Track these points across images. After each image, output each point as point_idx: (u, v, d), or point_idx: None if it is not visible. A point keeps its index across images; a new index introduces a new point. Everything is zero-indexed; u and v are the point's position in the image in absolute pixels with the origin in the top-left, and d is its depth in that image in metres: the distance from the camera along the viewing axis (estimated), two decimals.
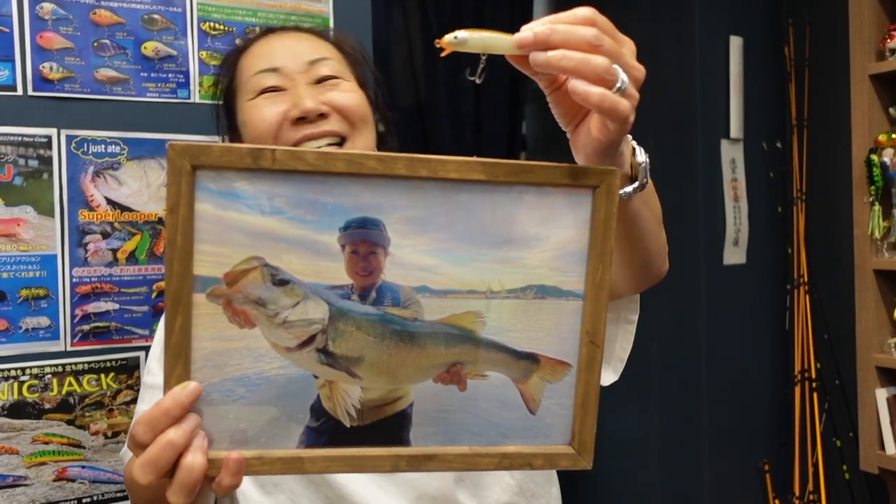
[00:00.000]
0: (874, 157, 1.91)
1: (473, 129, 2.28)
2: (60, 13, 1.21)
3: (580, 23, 0.58)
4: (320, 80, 0.96)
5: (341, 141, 0.94)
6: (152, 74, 1.29)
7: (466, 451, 0.61)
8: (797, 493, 2.12)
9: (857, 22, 1.93)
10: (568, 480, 1.05)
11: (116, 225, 1.26)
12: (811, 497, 2.07)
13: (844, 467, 2.06)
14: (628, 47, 0.61)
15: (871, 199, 1.92)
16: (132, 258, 1.28)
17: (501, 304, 0.60)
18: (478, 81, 0.63)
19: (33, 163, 1.20)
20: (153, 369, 0.95)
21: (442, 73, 2.23)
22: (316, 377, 0.58)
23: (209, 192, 0.54)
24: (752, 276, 2.20)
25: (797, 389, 2.13)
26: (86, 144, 1.24)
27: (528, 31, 0.58)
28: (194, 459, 0.55)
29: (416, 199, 0.57)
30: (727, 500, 2.15)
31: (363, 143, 0.95)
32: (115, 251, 1.26)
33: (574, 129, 0.64)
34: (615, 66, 0.57)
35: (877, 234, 1.91)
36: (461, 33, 0.58)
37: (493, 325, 0.60)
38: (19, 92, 1.19)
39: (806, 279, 2.13)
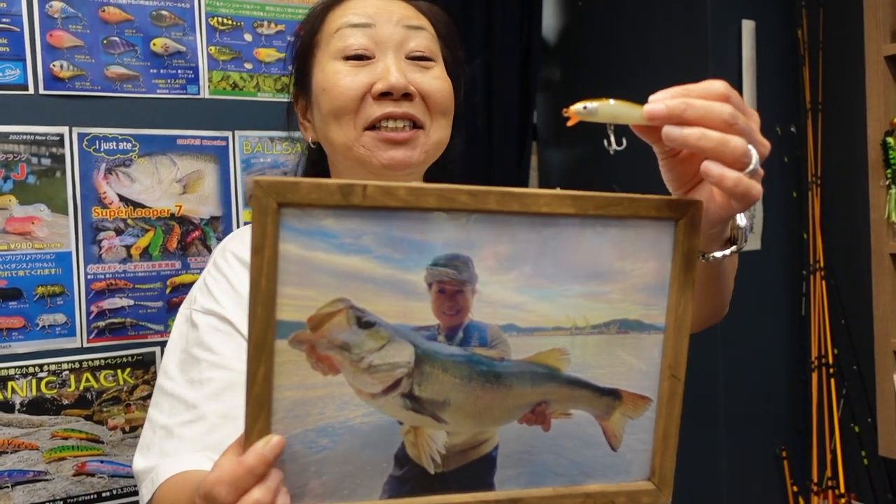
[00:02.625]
0: (890, 140, 1.88)
1: (485, 118, 2.27)
2: (70, 11, 1.22)
3: (715, 98, 0.57)
4: (412, 57, 0.89)
5: (417, 127, 0.88)
6: (161, 71, 1.30)
7: (551, 493, 0.59)
8: (815, 480, 2.11)
9: (872, 3, 1.90)
10: None
11: (129, 221, 1.27)
12: (829, 483, 2.06)
13: (863, 453, 2.04)
14: (755, 121, 0.60)
15: (887, 183, 1.90)
16: (146, 254, 1.29)
17: (586, 341, 0.59)
18: (613, 151, 0.63)
19: (46, 161, 1.21)
20: (172, 374, 0.90)
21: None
22: (401, 423, 0.55)
23: (295, 231, 0.51)
24: (768, 262, 2.18)
25: (814, 376, 2.11)
26: (97, 142, 1.25)
27: (660, 103, 0.57)
28: None
29: (505, 233, 0.55)
30: (745, 487, 2.14)
31: (440, 135, 0.91)
32: (128, 248, 1.27)
33: (685, 193, 0.64)
34: (750, 148, 0.56)
35: (893, 218, 1.88)
36: (591, 104, 0.58)
37: (577, 362, 0.59)
38: (31, 91, 1.20)
39: (822, 265, 2.11)
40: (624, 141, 0.65)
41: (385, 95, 0.86)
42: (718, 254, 0.68)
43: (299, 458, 0.54)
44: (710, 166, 0.56)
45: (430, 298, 0.54)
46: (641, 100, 0.59)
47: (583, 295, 0.58)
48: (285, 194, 0.50)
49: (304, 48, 0.94)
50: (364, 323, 0.53)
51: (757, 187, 0.57)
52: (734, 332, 2.12)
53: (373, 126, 0.86)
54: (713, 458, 2.15)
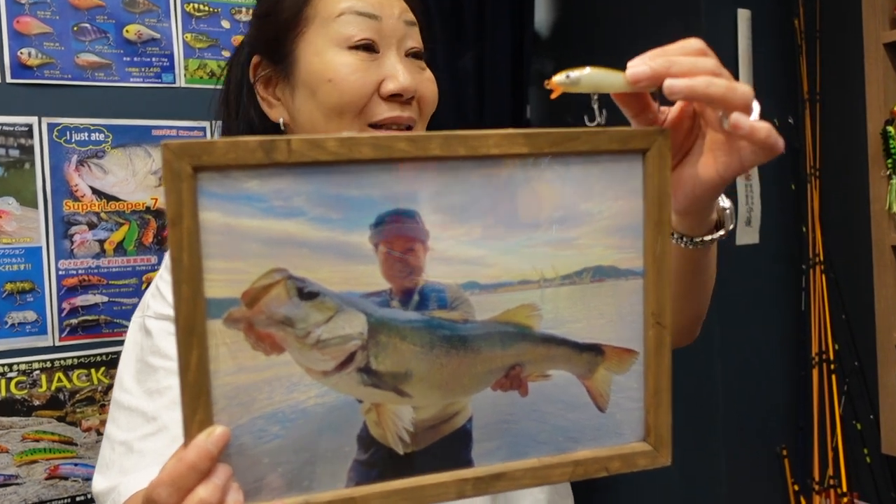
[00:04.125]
0: (890, 129, 1.84)
1: (476, 112, 2.22)
2: None
3: (694, 54, 0.55)
4: (409, 55, 0.85)
5: (409, 128, 0.84)
6: (135, 59, 1.25)
7: (536, 465, 0.55)
8: (816, 479, 2.06)
9: None
10: None
11: (103, 215, 1.23)
12: (831, 482, 2.01)
13: (865, 451, 2.00)
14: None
15: (888, 173, 1.85)
16: (120, 249, 1.24)
17: (557, 293, 0.54)
18: (596, 124, 0.59)
19: (14, 152, 1.17)
20: (128, 386, 0.85)
21: (442, 55, 2.18)
22: (360, 402, 0.51)
23: (215, 197, 0.46)
24: (766, 256, 2.13)
25: (815, 372, 2.06)
26: (68, 132, 1.20)
27: (642, 65, 0.54)
28: None
29: (454, 182, 0.51)
30: (745, 486, 2.10)
31: None
32: (102, 242, 1.23)
33: (672, 168, 0.60)
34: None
35: (894, 209, 1.84)
36: (573, 73, 0.55)
37: (550, 318, 0.54)
38: None
39: (822, 258, 2.06)
40: (604, 112, 0.61)
41: (394, 97, 0.82)
42: (708, 237, 0.64)
43: (249, 449, 0.49)
44: (739, 119, 0.54)
45: (378, 260, 0.50)
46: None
47: (548, 243, 0.53)
48: (200, 156, 0.45)
49: (287, 17, 0.86)
50: (306, 294, 0.48)
51: (781, 138, 0.55)
52: (732, 329, 2.08)
53: (375, 125, 0.83)
54: (712, 457, 2.10)
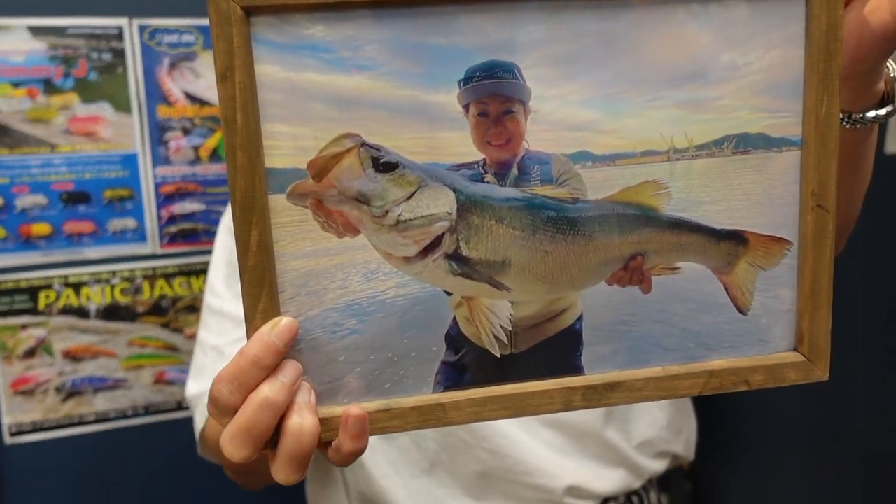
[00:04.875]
0: None
1: None
2: None
3: None
4: None
5: None
6: None
7: (660, 374, 0.47)
8: None
9: None
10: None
11: (196, 120, 1.19)
12: None
13: None
14: None
15: None
16: (215, 156, 1.21)
17: (690, 167, 0.45)
18: None
19: (107, 56, 1.14)
20: (218, 290, 0.83)
21: None
22: (449, 294, 0.45)
23: (273, 46, 0.40)
24: None
25: None
26: (159, 35, 1.16)
27: None
28: (302, 422, 0.42)
29: (561, 27, 0.42)
30: (883, 418, 1.93)
31: None
32: (196, 149, 1.20)
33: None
34: None
35: None
36: None
37: (681, 198, 0.46)
38: None
39: None
40: None
41: None
42: (871, 114, 0.53)
43: (322, 345, 0.44)
44: None
45: (469, 125, 0.42)
46: None
47: (681, 104, 0.44)
48: None
49: None
50: (383, 164, 0.41)
51: None
52: (877, 250, 1.87)
53: None
54: (848, 385, 1.94)
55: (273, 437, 0.42)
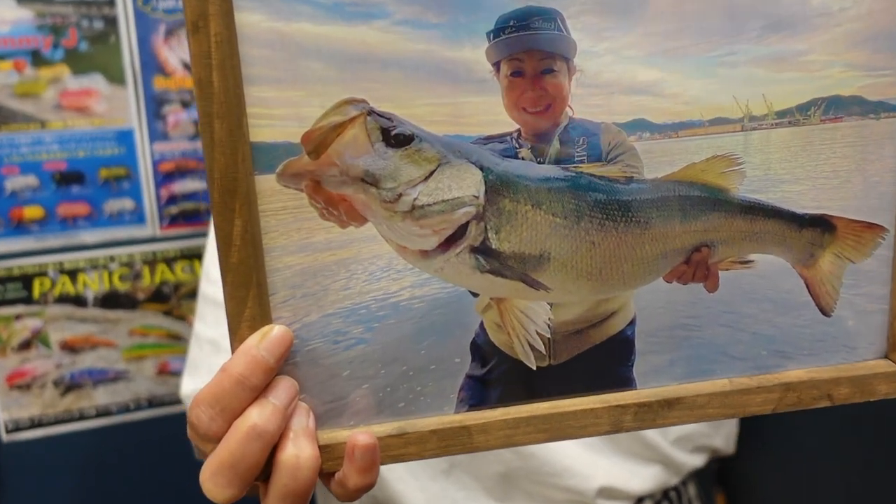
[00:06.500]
0: None
1: None
2: None
3: None
4: None
5: None
6: None
7: (727, 388, 0.41)
8: None
9: None
10: None
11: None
12: None
13: None
14: None
15: None
16: None
17: (768, 138, 0.39)
18: None
19: (98, 24, 1.07)
20: (214, 277, 0.78)
21: None
22: (475, 295, 0.39)
23: None
24: None
25: None
26: (153, 0, 1.09)
27: None
28: (299, 453, 0.36)
29: None
30: None
31: None
32: (197, 123, 1.13)
33: None
34: None
35: None
36: None
37: (757, 176, 0.40)
38: None
39: None
40: None
41: None
42: None
43: (322, 358, 0.37)
44: None
45: (500, 87, 0.36)
46: None
47: (759, 60, 0.38)
48: None
49: None
50: (395, 137, 0.34)
51: None
52: None
53: None
54: None
55: (265, 468, 0.35)
